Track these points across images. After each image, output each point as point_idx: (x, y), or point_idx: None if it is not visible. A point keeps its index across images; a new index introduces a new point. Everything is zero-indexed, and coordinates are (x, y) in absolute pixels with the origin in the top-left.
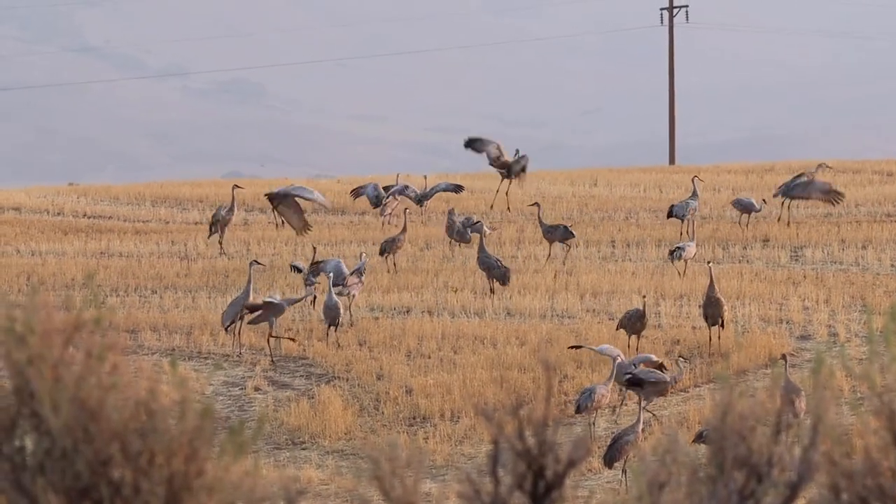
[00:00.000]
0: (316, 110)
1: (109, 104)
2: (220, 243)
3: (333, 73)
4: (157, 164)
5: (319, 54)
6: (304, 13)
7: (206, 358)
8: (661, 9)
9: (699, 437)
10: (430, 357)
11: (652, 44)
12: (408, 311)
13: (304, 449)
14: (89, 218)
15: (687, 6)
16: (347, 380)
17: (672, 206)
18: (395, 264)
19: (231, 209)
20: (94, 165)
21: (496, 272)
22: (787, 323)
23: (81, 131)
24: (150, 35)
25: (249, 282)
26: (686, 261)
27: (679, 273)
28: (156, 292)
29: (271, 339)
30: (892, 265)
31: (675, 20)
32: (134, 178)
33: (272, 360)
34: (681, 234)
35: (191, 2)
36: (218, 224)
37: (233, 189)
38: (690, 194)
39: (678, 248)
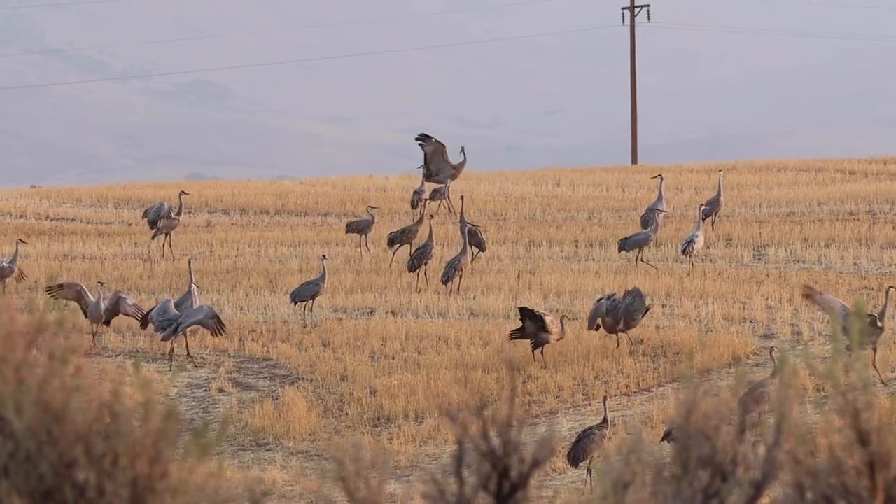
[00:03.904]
0: (280, 112)
1: (72, 106)
2: (167, 246)
3: (297, 75)
4: (120, 167)
5: (283, 56)
6: (268, 15)
7: (169, 360)
8: (623, 8)
9: (667, 436)
10: (393, 358)
11: (614, 44)
12: (371, 312)
13: (268, 450)
14: (52, 220)
15: (648, 5)
16: (311, 381)
17: (641, 217)
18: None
19: (179, 213)
20: (58, 168)
21: (445, 270)
22: (751, 322)
23: (44, 134)
24: (112, 37)
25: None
26: (696, 253)
27: (689, 270)
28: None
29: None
30: (855, 264)
31: (637, 20)
32: (98, 181)
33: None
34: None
35: (153, 4)
36: (163, 227)
37: (180, 195)
38: (657, 197)
39: (689, 241)
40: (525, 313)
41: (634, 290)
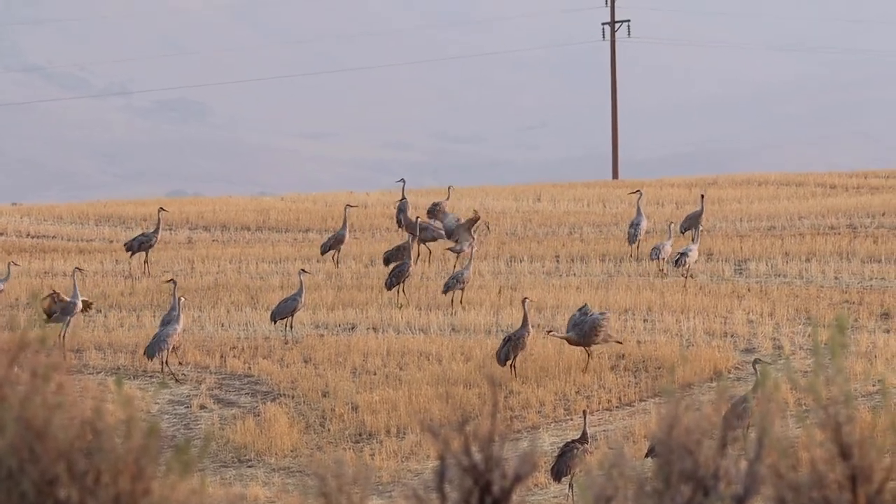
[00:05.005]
0: (261, 128)
1: (53, 123)
2: (145, 263)
3: (278, 91)
4: (102, 184)
5: (264, 72)
6: (248, 31)
7: (151, 376)
8: (603, 23)
9: (651, 452)
10: (375, 373)
11: (596, 59)
12: (353, 328)
13: (250, 467)
14: (33, 238)
15: (629, 21)
16: (293, 397)
17: (628, 233)
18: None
19: (156, 231)
20: (39, 185)
21: (448, 281)
22: (732, 336)
23: (25, 151)
24: (92, 54)
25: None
26: (689, 266)
27: (686, 276)
28: (100, 311)
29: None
30: (836, 277)
31: (617, 35)
32: (79, 198)
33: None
34: (630, 251)
35: (134, 21)
36: (142, 246)
37: (158, 212)
38: (636, 212)
39: (681, 254)
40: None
41: (604, 313)
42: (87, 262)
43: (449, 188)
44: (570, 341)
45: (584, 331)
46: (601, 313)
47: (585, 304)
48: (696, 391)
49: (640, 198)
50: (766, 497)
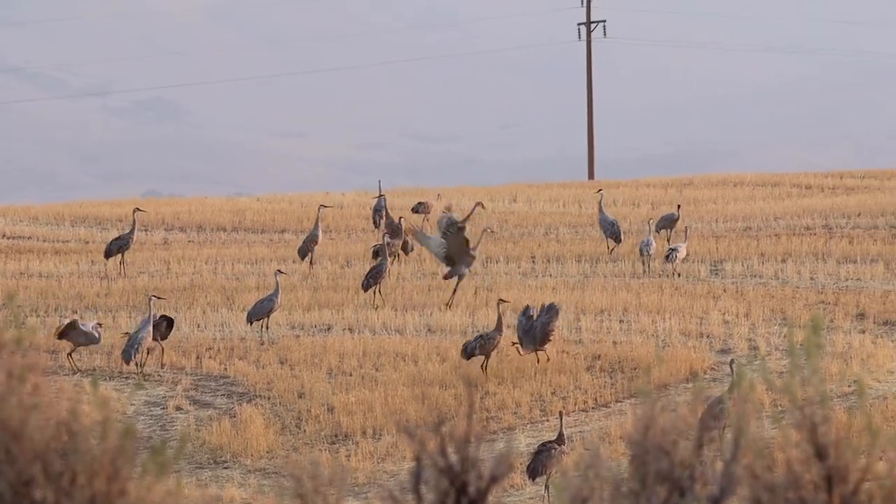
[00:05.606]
0: (237, 128)
1: (30, 124)
2: (122, 264)
3: (254, 91)
4: (81, 184)
5: (240, 72)
6: (224, 32)
7: (127, 378)
8: (579, 24)
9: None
10: (351, 374)
11: (574, 59)
12: (329, 329)
13: (226, 468)
14: (8, 238)
15: (604, 21)
16: (269, 398)
17: (614, 233)
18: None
19: (132, 232)
20: (16, 186)
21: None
22: (708, 337)
23: (4, 152)
24: (71, 55)
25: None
26: (678, 262)
27: (672, 274)
28: (76, 312)
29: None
30: (812, 278)
31: (594, 35)
32: (57, 198)
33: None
34: (608, 249)
35: (111, 21)
36: (120, 249)
37: (134, 212)
38: (599, 211)
39: (672, 249)
40: None
41: (551, 305)
42: (63, 263)
43: (438, 195)
44: (527, 352)
45: (536, 337)
46: (547, 314)
47: (528, 306)
48: (672, 392)
49: (602, 198)
50: (742, 498)
